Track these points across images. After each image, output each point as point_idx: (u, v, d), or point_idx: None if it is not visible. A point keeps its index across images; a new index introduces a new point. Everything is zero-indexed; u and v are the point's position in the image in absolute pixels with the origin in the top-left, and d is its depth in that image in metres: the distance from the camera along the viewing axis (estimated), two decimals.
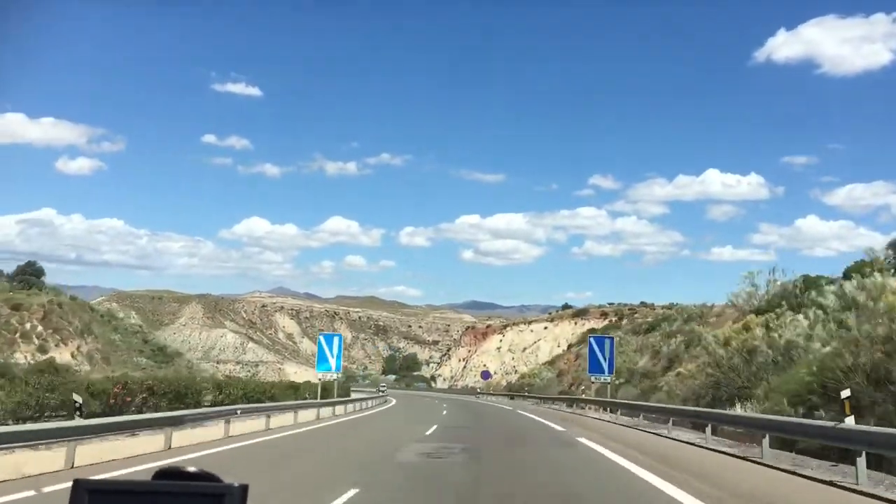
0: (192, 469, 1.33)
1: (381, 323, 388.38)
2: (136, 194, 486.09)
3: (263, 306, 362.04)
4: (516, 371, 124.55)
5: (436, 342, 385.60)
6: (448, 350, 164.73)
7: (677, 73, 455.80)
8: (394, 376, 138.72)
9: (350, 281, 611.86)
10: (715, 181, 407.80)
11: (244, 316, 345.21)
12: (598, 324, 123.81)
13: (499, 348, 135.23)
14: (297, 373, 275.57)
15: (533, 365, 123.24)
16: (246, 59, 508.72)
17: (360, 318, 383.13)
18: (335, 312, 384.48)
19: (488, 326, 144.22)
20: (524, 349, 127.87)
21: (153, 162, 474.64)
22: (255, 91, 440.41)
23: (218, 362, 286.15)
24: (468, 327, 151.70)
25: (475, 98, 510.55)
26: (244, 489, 1.20)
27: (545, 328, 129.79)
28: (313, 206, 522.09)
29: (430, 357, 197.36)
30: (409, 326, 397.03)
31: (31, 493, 9.35)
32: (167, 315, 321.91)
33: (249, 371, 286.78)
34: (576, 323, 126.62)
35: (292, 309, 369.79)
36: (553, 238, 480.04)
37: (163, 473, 1.33)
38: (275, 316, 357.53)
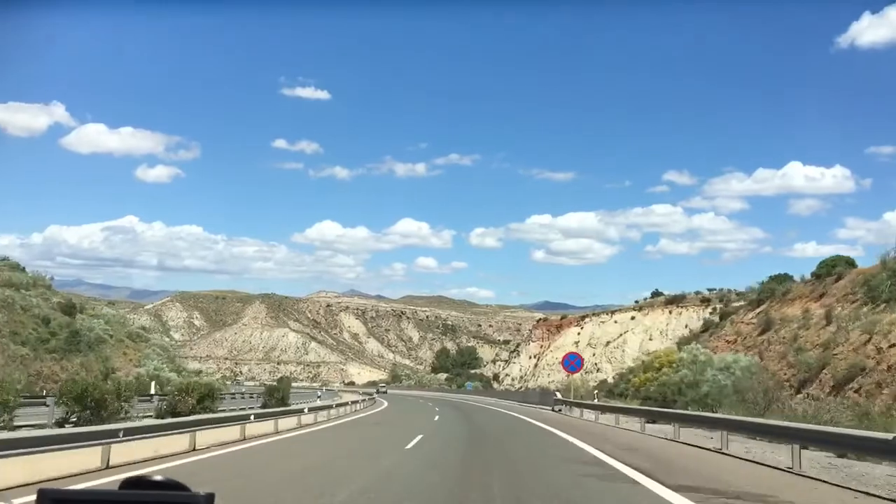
0: (158, 478, 1.29)
1: (449, 322, 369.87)
2: (213, 200, 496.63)
3: (329, 306, 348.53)
4: (598, 369, 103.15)
5: (506, 342, 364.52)
6: (517, 347, 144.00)
7: (755, 61, 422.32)
8: (444, 375, 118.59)
9: (421, 283, 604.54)
10: (797, 174, 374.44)
11: (308, 316, 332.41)
12: (698, 312, 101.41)
13: (576, 343, 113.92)
14: (360, 373, 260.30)
15: (619, 361, 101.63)
16: (314, 62, 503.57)
17: (427, 317, 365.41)
18: (402, 312, 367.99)
19: (563, 318, 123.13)
20: (607, 343, 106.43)
21: (227, 168, 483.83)
22: (323, 94, 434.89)
23: (279, 363, 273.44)
24: (540, 320, 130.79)
25: (544, 96, 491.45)
26: (210, 498, 1.18)
27: (632, 318, 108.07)
28: (383, 208, 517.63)
29: (498, 355, 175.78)
30: (479, 325, 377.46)
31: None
32: (230, 315, 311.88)
33: (310, 372, 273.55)
34: (670, 312, 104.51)
35: (358, 308, 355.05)
36: (626, 237, 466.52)
37: (129, 483, 1.29)
38: (340, 315, 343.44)
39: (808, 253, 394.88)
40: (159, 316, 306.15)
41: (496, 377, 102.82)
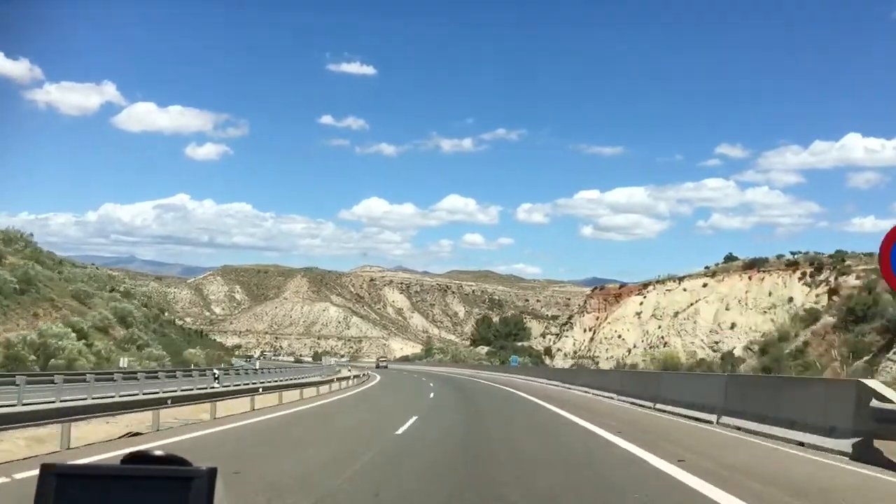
0: (160, 453, 1.31)
1: (496, 297, 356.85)
2: (261, 178, 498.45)
3: (372, 280, 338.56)
4: (665, 343, 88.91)
5: (554, 317, 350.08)
6: (569, 319, 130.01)
7: (812, 29, 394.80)
8: (485, 349, 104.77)
9: (468, 260, 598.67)
10: (856, 146, 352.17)
11: (351, 290, 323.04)
12: (783, 278, 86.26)
13: (638, 314, 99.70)
14: (403, 349, 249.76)
15: (691, 335, 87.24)
16: (359, 38, 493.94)
17: (473, 291, 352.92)
18: (447, 286, 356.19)
19: (622, 287, 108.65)
20: (675, 314, 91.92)
21: (275, 145, 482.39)
22: (369, 70, 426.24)
23: (319, 337, 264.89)
24: (595, 289, 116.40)
25: (591, 69, 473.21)
26: (213, 472, 1.18)
27: (704, 286, 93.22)
28: (430, 184, 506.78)
29: (547, 329, 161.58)
30: (526, 301, 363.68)
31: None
32: (272, 289, 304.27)
33: (351, 347, 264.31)
34: (750, 278, 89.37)
35: (402, 283, 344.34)
36: (677, 212, 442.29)
37: (131, 457, 1.31)
38: (384, 290, 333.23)
39: (867, 228, 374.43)
40: (200, 290, 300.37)
41: (548, 351, 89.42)
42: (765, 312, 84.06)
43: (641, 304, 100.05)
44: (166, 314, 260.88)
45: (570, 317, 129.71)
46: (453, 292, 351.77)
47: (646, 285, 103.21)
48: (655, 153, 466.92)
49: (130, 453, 1.35)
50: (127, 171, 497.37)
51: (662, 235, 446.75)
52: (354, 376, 44.84)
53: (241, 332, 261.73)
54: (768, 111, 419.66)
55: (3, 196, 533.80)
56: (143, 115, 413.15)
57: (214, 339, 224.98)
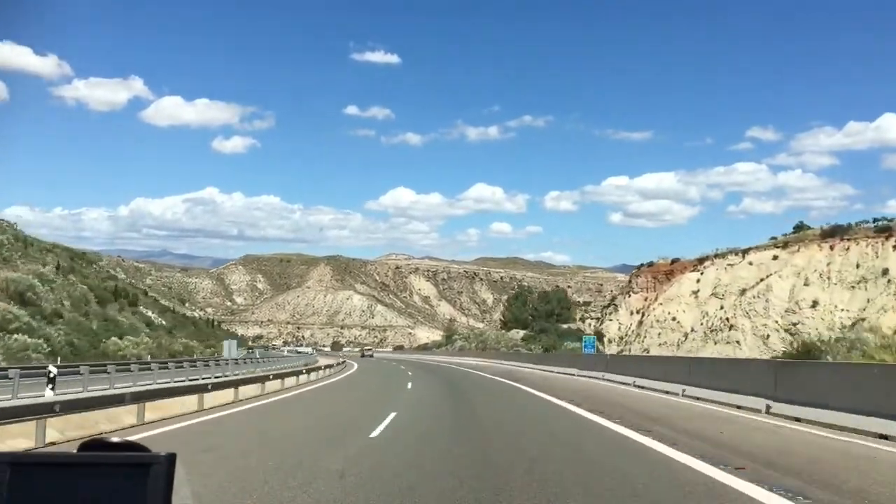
0: (116, 440, 1.28)
1: (525, 283, 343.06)
2: (288, 170, 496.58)
3: (398, 268, 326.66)
4: (732, 325, 75.12)
5: (587, 303, 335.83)
6: (612, 301, 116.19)
7: (845, 7, 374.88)
8: (521, 332, 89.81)
9: (496, 249, 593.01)
10: (892, 127, 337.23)
11: (376, 279, 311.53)
12: (875, 246, 72.05)
13: (695, 293, 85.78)
14: (430, 337, 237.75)
15: (762, 315, 73.24)
16: (383, 26, 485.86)
17: (501, 278, 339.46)
18: (475, 273, 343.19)
19: (674, 262, 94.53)
20: (742, 291, 77.83)
21: (301, 137, 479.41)
22: (393, 58, 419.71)
23: (342, 327, 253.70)
24: (642, 265, 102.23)
25: (618, 53, 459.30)
26: (171, 458, 1.16)
27: (774, 258, 79.01)
28: (457, 173, 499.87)
29: (586, 313, 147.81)
30: (557, 287, 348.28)
31: None
32: (294, 278, 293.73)
33: (376, 336, 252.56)
34: (832, 248, 75.04)
35: (428, 270, 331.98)
36: (707, 197, 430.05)
37: (88, 445, 1.28)
38: (409, 278, 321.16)
39: None
40: (222, 280, 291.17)
41: (599, 335, 75.50)
42: (853, 287, 70.00)
43: (698, 281, 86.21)
44: (187, 304, 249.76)
45: (614, 298, 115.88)
46: (481, 279, 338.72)
47: (702, 260, 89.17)
48: (685, 137, 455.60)
49: (87, 441, 1.32)
50: (156, 165, 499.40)
51: (693, 221, 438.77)
52: (326, 366, 39.92)
53: (262, 322, 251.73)
54: (801, 92, 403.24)
55: (37, 192, 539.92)
56: (171, 109, 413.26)
57: (227, 329, 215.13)
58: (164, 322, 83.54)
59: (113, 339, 41.86)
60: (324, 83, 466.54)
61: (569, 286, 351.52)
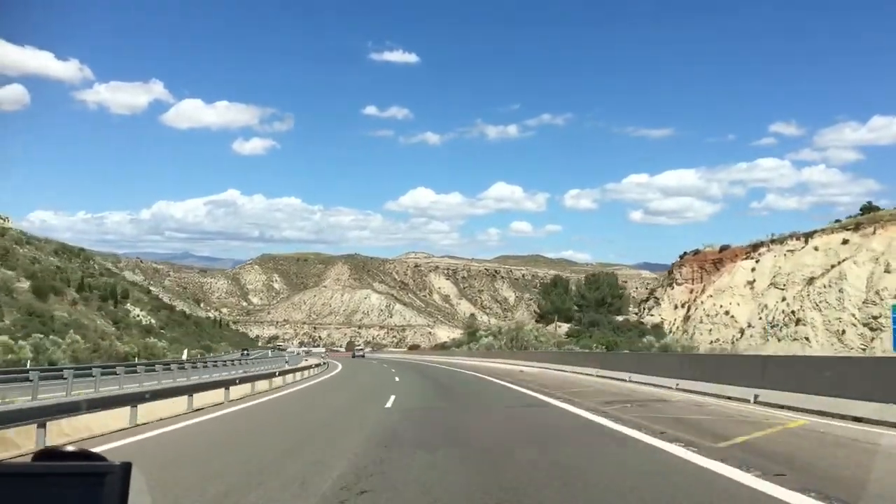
0: (71, 449, 1.25)
1: (547, 281, 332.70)
2: (308, 171, 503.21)
3: (417, 266, 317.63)
4: (799, 320, 65.00)
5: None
6: (651, 294, 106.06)
7: (867, 1, 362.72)
8: (564, 327, 78.71)
9: (517, 248, 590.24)
10: None
11: (395, 277, 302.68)
12: None
13: (751, 283, 75.64)
14: (450, 336, 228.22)
15: (837, 307, 63.07)
16: (400, 25, 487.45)
17: (523, 276, 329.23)
18: (495, 271, 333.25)
19: (723, 250, 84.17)
20: (810, 280, 67.61)
21: (320, 138, 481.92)
22: (412, 58, 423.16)
23: (360, 326, 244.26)
24: (687, 253, 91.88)
25: (638, 49, 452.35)
26: (127, 468, 1.13)
27: (844, 242, 68.75)
28: (476, 172, 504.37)
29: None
30: (605, 272, 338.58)
31: None
32: (312, 277, 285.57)
33: (395, 336, 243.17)
34: None
35: (448, 268, 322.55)
36: (729, 193, 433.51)
37: (42, 454, 1.24)
38: (429, 276, 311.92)
39: None
40: (238, 280, 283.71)
41: (657, 329, 65.10)
42: None
43: (753, 269, 76.13)
44: (202, 305, 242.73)
45: (653, 291, 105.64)
46: (502, 277, 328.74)
47: (756, 246, 78.92)
48: (706, 133, 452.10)
49: (42, 450, 1.28)
50: (177, 168, 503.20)
51: (715, 218, 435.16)
52: (304, 367, 35.95)
53: (278, 323, 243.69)
54: (824, 87, 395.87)
55: (61, 196, 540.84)
56: (191, 112, 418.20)
57: (237, 330, 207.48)
58: (153, 321, 75.27)
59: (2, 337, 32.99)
60: (342, 84, 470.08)
61: None
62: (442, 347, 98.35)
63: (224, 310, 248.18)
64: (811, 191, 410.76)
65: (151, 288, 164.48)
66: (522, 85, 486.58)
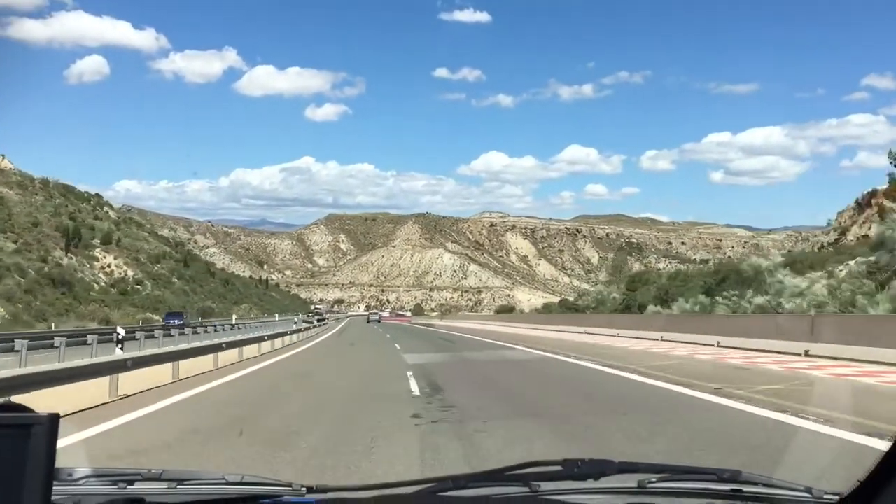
0: None
1: (633, 240, 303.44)
2: (380, 136, 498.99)
3: (492, 225, 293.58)
4: None
5: (704, 261, 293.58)
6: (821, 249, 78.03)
7: None
8: (706, 302, 42.92)
9: (592, 211, 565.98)
10: None
11: (469, 237, 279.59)
12: None
13: None
14: (532, 300, 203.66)
15: None
16: None
17: (607, 234, 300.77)
18: (577, 230, 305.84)
19: None
20: None
21: (392, 102, 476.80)
22: (483, 16, 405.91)
23: (431, 289, 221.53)
24: (875, 189, 64.37)
25: (721, 0, 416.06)
26: (54, 418, 1.09)
27: None
28: (549, 135, 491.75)
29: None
30: (669, 244, 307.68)
31: None
32: (380, 237, 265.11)
33: (470, 299, 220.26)
34: None
35: (526, 227, 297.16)
36: (818, 151, 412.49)
37: None
38: (505, 236, 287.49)
39: None
40: (302, 241, 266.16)
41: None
42: None
43: None
44: (265, 266, 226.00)
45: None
46: (584, 236, 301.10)
47: None
48: (794, 88, 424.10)
49: None
50: (252, 135, 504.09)
51: (802, 178, 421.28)
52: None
53: (343, 285, 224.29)
54: None
55: (144, 166, 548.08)
56: (264, 79, 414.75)
57: (289, 292, 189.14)
58: (129, 272, 55.36)
59: None
60: (413, 45, 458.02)
61: (683, 243, 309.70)
62: (538, 312, 72.60)
63: (288, 272, 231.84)
64: None
65: (190, 243, 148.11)
66: (598, 42, 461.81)
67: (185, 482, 1.40)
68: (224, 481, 1.40)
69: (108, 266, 74.40)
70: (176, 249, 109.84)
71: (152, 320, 55.35)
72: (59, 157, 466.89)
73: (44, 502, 0.96)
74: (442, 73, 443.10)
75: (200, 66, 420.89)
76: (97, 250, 75.42)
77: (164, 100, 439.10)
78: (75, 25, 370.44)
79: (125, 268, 75.86)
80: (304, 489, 1.34)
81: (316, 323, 41.52)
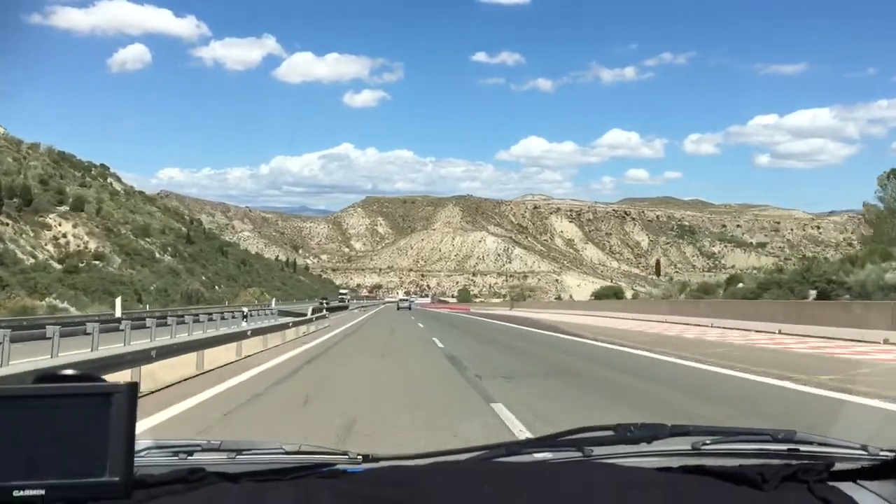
0: (72, 372, 1.17)
1: (685, 223, 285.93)
2: (419, 122, 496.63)
3: (536, 208, 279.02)
4: None
5: (762, 245, 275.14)
6: None
7: None
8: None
9: (634, 195, 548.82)
10: None
11: (512, 220, 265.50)
12: None
13: None
14: (581, 285, 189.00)
15: None
16: None
17: (658, 217, 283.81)
18: (625, 213, 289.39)
19: None
20: None
21: (430, 88, 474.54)
22: None
23: (474, 273, 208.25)
24: None
25: None
26: (134, 387, 1.09)
27: None
28: (590, 119, 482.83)
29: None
30: (724, 226, 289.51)
31: None
32: (419, 220, 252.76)
33: (515, 283, 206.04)
34: None
35: (571, 210, 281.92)
36: (868, 134, 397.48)
37: (43, 377, 1.15)
38: (550, 219, 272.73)
39: None
40: (339, 224, 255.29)
41: None
42: None
43: None
44: (300, 251, 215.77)
45: None
46: (633, 219, 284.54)
47: None
48: (844, 68, 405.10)
49: (42, 373, 1.19)
50: (291, 122, 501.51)
51: (850, 161, 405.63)
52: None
53: (381, 270, 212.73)
54: None
55: (186, 154, 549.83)
56: (302, 66, 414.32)
57: (320, 276, 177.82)
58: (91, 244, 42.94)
59: None
60: (451, 29, 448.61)
61: (738, 225, 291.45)
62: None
63: (324, 256, 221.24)
64: None
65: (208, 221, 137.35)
66: (641, 23, 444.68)
67: (244, 452, 1.42)
68: (282, 451, 1.42)
69: (64, 236, 63.59)
70: (190, 228, 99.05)
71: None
72: (108, 146, 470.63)
73: (127, 465, 1.00)
74: (481, 57, 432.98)
75: (240, 53, 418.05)
76: (52, 216, 64.59)
77: (205, 87, 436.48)
78: (117, 13, 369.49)
79: (87, 238, 65.03)
80: (359, 457, 1.35)
81: (311, 315, 26.91)
